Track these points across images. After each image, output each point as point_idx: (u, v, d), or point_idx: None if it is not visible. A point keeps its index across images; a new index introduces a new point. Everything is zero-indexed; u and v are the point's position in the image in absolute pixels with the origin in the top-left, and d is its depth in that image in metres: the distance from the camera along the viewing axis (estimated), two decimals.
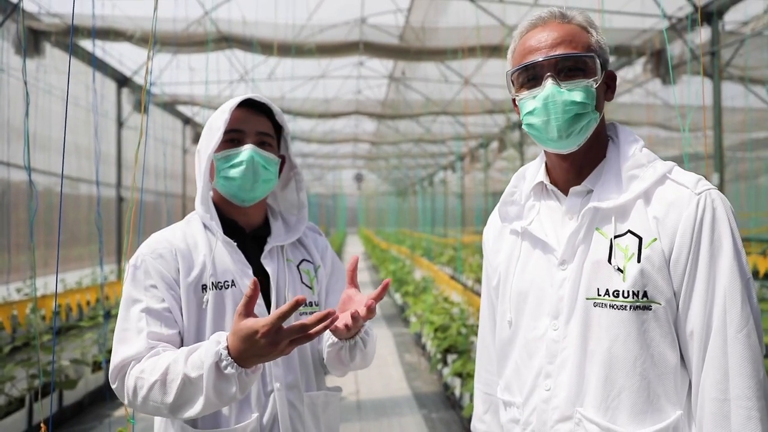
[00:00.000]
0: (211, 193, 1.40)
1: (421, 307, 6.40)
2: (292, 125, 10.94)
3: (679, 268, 0.95)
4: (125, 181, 9.09)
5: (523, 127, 1.08)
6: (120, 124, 8.94)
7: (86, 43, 7.01)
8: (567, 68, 1.01)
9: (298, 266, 1.41)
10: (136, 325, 1.21)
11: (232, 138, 1.32)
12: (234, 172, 1.30)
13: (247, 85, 10.04)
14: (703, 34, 6.30)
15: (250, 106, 1.34)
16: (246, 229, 1.39)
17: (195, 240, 1.32)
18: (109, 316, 6.19)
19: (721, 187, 5.65)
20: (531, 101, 1.03)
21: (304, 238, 1.48)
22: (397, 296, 9.28)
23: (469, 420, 4.01)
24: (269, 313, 1.31)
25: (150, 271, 1.25)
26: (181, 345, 1.25)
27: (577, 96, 1.00)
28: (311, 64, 9.17)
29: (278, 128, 1.41)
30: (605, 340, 0.98)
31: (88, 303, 6.54)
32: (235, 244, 1.32)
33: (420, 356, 6.19)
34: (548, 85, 1.00)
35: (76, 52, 7.00)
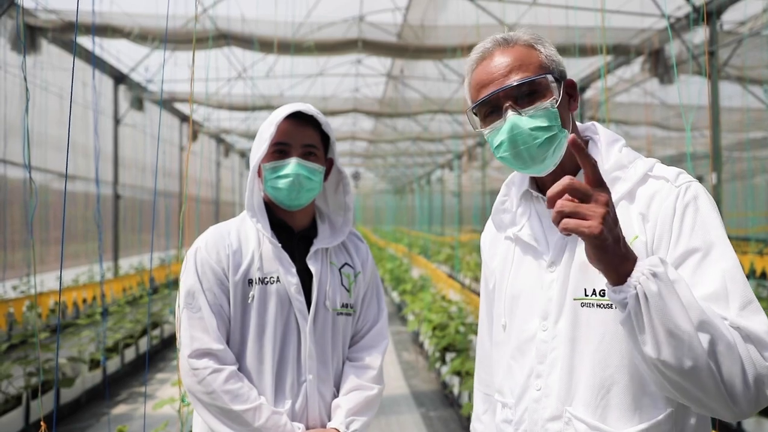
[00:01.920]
0: (263, 193, 1.50)
1: (419, 305, 6.40)
2: None
3: (659, 254, 0.96)
4: (122, 179, 9.06)
5: (497, 159, 1.09)
6: (117, 121, 8.90)
7: (83, 40, 6.97)
8: (524, 94, 1.02)
9: (340, 269, 1.52)
10: (199, 317, 1.36)
11: (278, 150, 1.42)
12: (280, 183, 1.40)
13: (245, 83, 10.01)
14: (701, 34, 6.31)
15: (297, 117, 1.42)
16: (294, 228, 1.50)
17: (247, 237, 1.45)
18: (107, 313, 6.18)
19: (718, 187, 5.66)
20: (497, 135, 1.03)
21: (348, 243, 1.58)
22: (395, 294, 9.28)
23: (468, 418, 4.01)
24: (309, 309, 1.43)
25: (205, 265, 1.39)
26: (228, 332, 1.41)
27: (541, 122, 1.00)
28: (309, 62, 9.15)
29: (325, 135, 1.50)
30: (593, 339, 0.99)
31: (84, 300, 6.52)
32: (280, 245, 1.43)
33: (418, 355, 6.20)
34: (509, 116, 1.01)
35: (73, 49, 6.97)
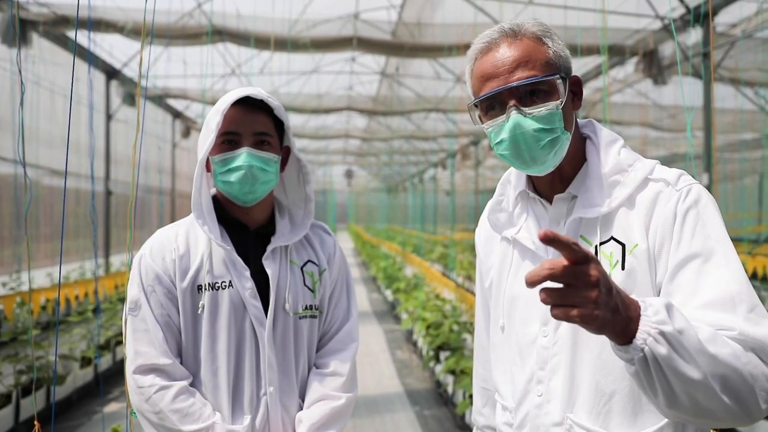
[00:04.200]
0: (214, 190, 1.39)
1: (413, 303, 6.40)
2: None
3: (662, 260, 0.94)
4: (114, 175, 8.98)
5: (496, 155, 1.06)
6: (109, 116, 8.81)
7: (74, 34, 6.89)
8: (529, 92, 0.99)
9: (302, 267, 1.40)
10: (144, 329, 1.26)
11: (227, 140, 1.29)
12: (231, 177, 1.28)
13: (239, 80, 9.95)
14: (694, 36, 6.34)
15: (246, 102, 1.30)
16: (250, 226, 1.38)
17: (196, 239, 1.34)
18: (100, 311, 6.12)
19: (710, 188, 5.71)
20: (499, 132, 1.01)
21: (312, 237, 1.45)
22: (388, 293, 9.28)
23: (462, 417, 4.02)
24: (266, 314, 1.32)
25: (150, 273, 1.29)
26: (179, 344, 1.31)
27: (544, 123, 0.98)
28: (304, 59, 9.11)
29: (279, 122, 1.36)
30: (594, 346, 0.98)
31: (76, 297, 6.45)
32: (233, 247, 1.31)
33: (411, 353, 6.20)
34: (513, 115, 0.98)
35: (65, 43, 6.89)
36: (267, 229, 1.39)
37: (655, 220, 0.96)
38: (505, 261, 1.14)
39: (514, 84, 0.98)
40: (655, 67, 6.62)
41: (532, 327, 1.06)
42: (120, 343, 5.50)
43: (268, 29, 6.73)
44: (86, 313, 5.90)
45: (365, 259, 15.74)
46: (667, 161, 11.53)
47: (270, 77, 9.99)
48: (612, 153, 1.03)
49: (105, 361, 5.16)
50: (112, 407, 4.52)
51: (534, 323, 1.06)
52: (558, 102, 0.99)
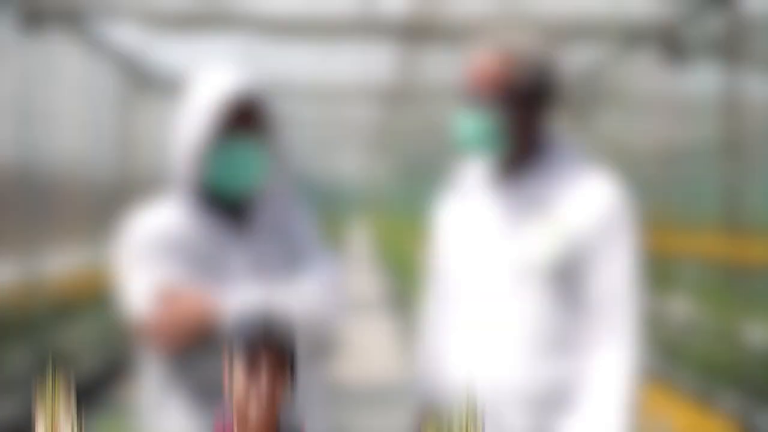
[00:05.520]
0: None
1: None
2: None
3: (588, 253, 1.14)
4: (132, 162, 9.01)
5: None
6: (124, 107, 8.83)
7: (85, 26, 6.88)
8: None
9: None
10: None
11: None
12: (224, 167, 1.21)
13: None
14: (719, 20, 6.14)
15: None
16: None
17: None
18: (109, 301, 6.18)
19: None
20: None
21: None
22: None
23: None
24: None
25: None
26: None
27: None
28: None
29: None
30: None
31: (93, 284, 6.53)
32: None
33: None
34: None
35: (78, 32, 6.89)
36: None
37: (585, 214, 1.16)
38: (463, 245, 1.25)
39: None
40: (674, 53, 6.48)
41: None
42: None
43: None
44: (92, 304, 5.95)
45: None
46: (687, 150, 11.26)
47: None
48: (563, 151, 1.23)
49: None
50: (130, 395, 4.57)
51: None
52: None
